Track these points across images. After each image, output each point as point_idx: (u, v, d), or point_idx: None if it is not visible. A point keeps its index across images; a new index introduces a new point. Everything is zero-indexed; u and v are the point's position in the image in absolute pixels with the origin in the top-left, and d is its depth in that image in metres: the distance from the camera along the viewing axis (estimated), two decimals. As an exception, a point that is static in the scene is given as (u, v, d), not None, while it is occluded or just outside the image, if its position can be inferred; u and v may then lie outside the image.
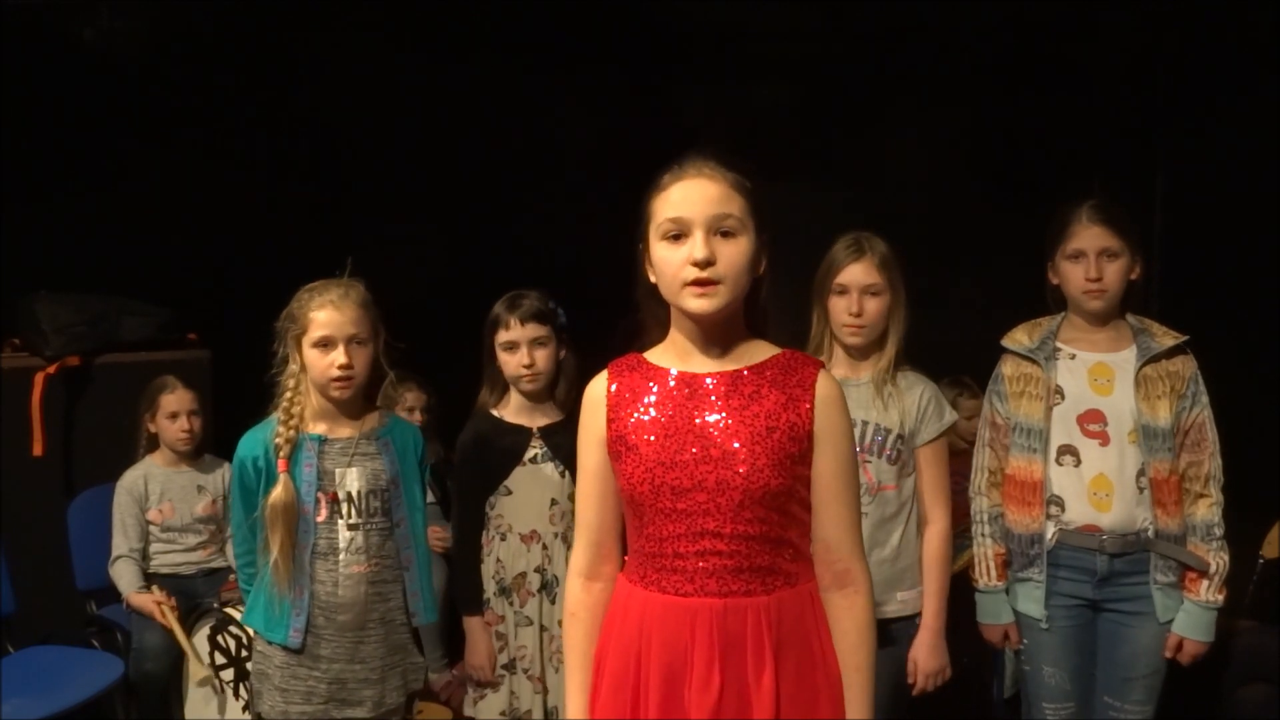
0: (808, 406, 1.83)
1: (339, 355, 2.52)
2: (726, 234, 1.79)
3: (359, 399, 2.63)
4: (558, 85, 4.60)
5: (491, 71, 4.57)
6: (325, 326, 2.53)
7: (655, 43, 4.53)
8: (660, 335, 1.92)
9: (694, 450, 1.82)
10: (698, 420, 1.83)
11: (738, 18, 4.40)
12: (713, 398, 1.84)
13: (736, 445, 1.80)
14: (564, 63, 4.55)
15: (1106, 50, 4.33)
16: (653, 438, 1.84)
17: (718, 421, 1.82)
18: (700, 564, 1.81)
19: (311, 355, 2.55)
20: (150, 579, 3.58)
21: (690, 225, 1.78)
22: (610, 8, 4.32)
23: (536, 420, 2.90)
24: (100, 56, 4.09)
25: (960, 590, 2.89)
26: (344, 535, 2.56)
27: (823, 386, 1.85)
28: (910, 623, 2.63)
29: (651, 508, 1.84)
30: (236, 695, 3.25)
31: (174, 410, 3.67)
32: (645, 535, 1.86)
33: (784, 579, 1.84)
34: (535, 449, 2.88)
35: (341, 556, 2.56)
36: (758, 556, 1.82)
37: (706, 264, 1.77)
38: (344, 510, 2.57)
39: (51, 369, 3.91)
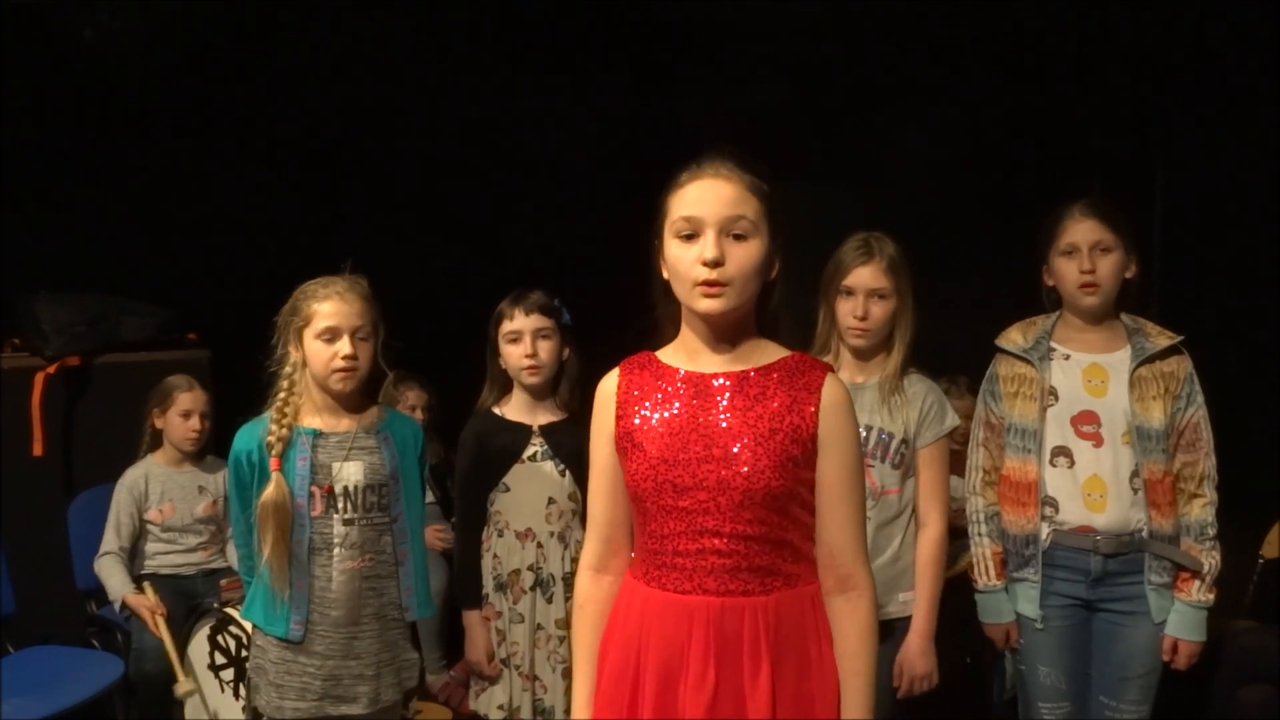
0: (812, 410, 1.83)
1: (344, 346, 2.54)
2: (739, 236, 1.80)
3: (359, 393, 2.63)
4: (559, 85, 4.60)
5: (492, 71, 4.57)
6: (330, 317, 2.54)
7: (655, 43, 4.52)
8: (674, 333, 1.93)
9: (697, 449, 1.82)
10: (703, 419, 1.84)
11: (738, 18, 4.40)
12: (719, 397, 1.85)
13: (739, 445, 1.81)
14: (565, 62, 4.55)
15: (1106, 50, 4.32)
16: (658, 435, 1.85)
17: (722, 421, 1.83)
18: (699, 562, 1.82)
19: (315, 347, 2.55)
20: (150, 579, 3.58)
21: (702, 225, 1.79)
22: (611, 8, 4.32)
23: (537, 418, 2.91)
24: (100, 56, 4.08)
25: (962, 591, 2.89)
26: (339, 530, 2.56)
27: (829, 391, 1.85)
28: (911, 622, 2.63)
29: (654, 505, 1.85)
30: (236, 695, 3.25)
31: (188, 408, 3.67)
32: (648, 532, 1.88)
33: (783, 580, 1.84)
34: (535, 447, 2.89)
35: (336, 552, 2.56)
36: (757, 557, 1.82)
37: (716, 264, 1.77)
38: (339, 505, 2.56)
39: (51, 369, 3.91)
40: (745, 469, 1.80)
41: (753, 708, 1.80)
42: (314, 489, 2.55)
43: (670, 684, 1.83)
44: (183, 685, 3.26)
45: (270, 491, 2.51)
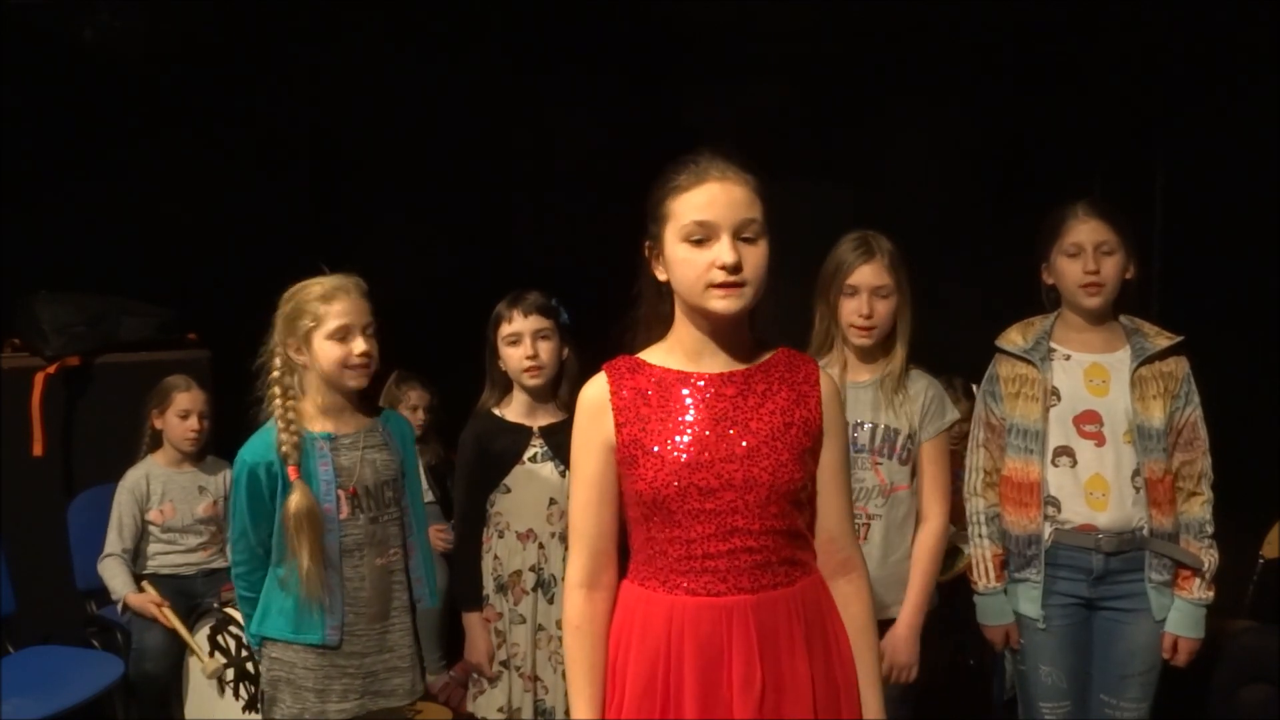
0: (816, 402, 1.88)
1: (359, 343, 2.54)
2: (749, 239, 1.80)
3: (361, 392, 2.64)
4: (558, 85, 4.61)
5: (491, 71, 4.57)
6: (343, 316, 2.53)
7: (655, 43, 4.53)
8: (661, 334, 1.92)
9: (718, 449, 1.83)
10: (717, 419, 1.84)
11: (737, 18, 4.40)
12: (730, 396, 1.86)
13: (759, 442, 1.83)
14: (564, 62, 4.56)
15: (1106, 50, 4.33)
16: (673, 439, 1.84)
17: (738, 420, 1.84)
18: (733, 562, 1.83)
19: (326, 347, 2.52)
20: (149, 579, 3.58)
21: (717, 229, 1.79)
22: (611, 8, 4.32)
23: (538, 420, 2.91)
24: (100, 56, 4.08)
25: (962, 592, 2.89)
26: (366, 529, 2.57)
27: (825, 383, 1.91)
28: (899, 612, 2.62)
29: (679, 509, 1.83)
30: (236, 695, 3.25)
31: (186, 409, 3.67)
32: (668, 538, 1.85)
33: (802, 570, 1.89)
34: (535, 448, 2.89)
35: (365, 551, 2.56)
36: (782, 549, 1.85)
37: (736, 269, 1.78)
38: (364, 504, 2.57)
39: (51, 369, 3.91)
40: (769, 464, 1.82)
41: (797, 698, 1.83)
42: (339, 492, 2.54)
43: (712, 688, 1.82)
44: (210, 664, 3.26)
45: (298, 499, 2.48)
